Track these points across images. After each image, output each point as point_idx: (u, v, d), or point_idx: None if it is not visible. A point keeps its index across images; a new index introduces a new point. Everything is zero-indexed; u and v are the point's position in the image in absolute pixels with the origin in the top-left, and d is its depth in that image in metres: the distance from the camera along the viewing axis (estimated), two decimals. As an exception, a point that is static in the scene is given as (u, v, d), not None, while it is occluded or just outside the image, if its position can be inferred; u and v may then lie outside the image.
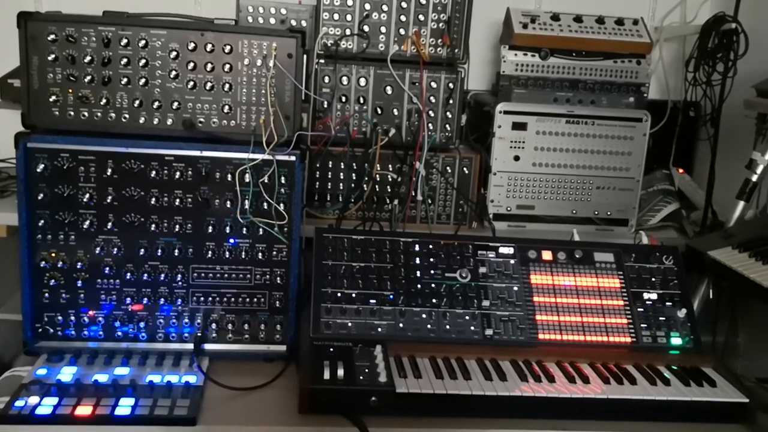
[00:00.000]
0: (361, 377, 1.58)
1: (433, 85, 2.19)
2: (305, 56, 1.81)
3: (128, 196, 1.74)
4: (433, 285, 1.85)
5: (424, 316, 1.80)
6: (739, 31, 2.39)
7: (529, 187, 2.30)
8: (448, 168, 2.24)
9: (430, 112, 2.20)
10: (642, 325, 1.85)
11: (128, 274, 1.76)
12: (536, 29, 2.28)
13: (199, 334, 1.79)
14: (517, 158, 2.27)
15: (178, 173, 1.74)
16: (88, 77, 1.71)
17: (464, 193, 2.25)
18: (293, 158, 1.77)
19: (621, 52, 2.32)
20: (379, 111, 2.18)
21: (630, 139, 2.29)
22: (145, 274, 1.77)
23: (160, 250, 1.76)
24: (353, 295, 1.80)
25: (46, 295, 1.75)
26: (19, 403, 1.52)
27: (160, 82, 1.73)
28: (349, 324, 1.76)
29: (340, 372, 1.58)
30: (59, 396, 1.55)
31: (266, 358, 1.82)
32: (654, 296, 1.90)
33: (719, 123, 2.46)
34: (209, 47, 1.73)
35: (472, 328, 1.80)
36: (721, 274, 2.01)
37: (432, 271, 1.86)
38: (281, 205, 1.78)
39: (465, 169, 2.24)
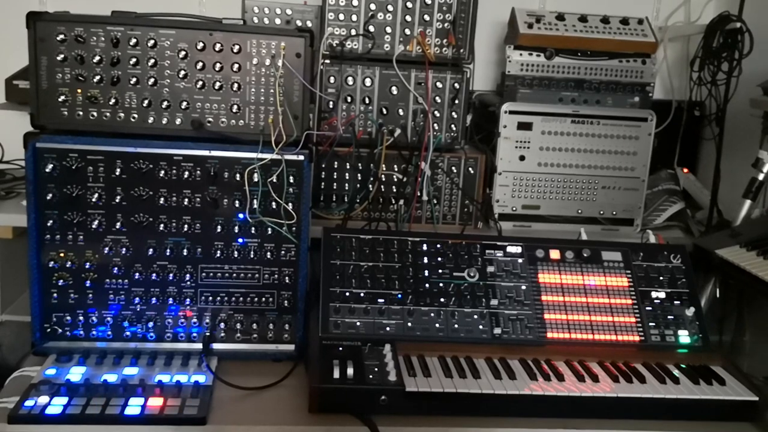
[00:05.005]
0: (370, 376, 1.58)
1: (439, 85, 2.19)
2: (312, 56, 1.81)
3: (137, 196, 1.73)
4: (441, 284, 1.84)
5: (432, 315, 1.80)
6: (743, 30, 2.40)
7: (534, 187, 2.30)
8: (453, 168, 2.24)
9: (436, 112, 2.21)
10: (650, 324, 1.85)
11: (137, 274, 1.76)
12: (541, 29, 2.29)
13: (207, 334, 1.79)
14: (522, 158, 2.27)
15: (186, 173, 1.74)
16: (97, 77, 1.71)
17: (469, 194, 2.26)
18: (302, 158, 1.77)
19: (626, 52, 2.33)
20: (385, 111, 2.19)
21: (635, 139, 2.30)
22: (154, 274, 1.76)
23: (168, 250, 1.76)
24: (361, 294, 1.80)
25: (55, 295, 1.74)
26: (29, 403, 1.52)
27: (168, 81, 1.73)
28: (358, 323, 1.76)
29: (350, 371, 1.57)
30: (69, 396, 1.55)
31: (275, 357, 1.82)
32: (662, 295, 1.90)
33: (724, 122, 2.46)
34: (218, 47, 1.73)
35: (481, 327, 1.80)
36: (728, 272, 2.02)
37: (440, 271, 1.86)
38: (290, 204, 1.78)
39: (470, 169, 2.25)
